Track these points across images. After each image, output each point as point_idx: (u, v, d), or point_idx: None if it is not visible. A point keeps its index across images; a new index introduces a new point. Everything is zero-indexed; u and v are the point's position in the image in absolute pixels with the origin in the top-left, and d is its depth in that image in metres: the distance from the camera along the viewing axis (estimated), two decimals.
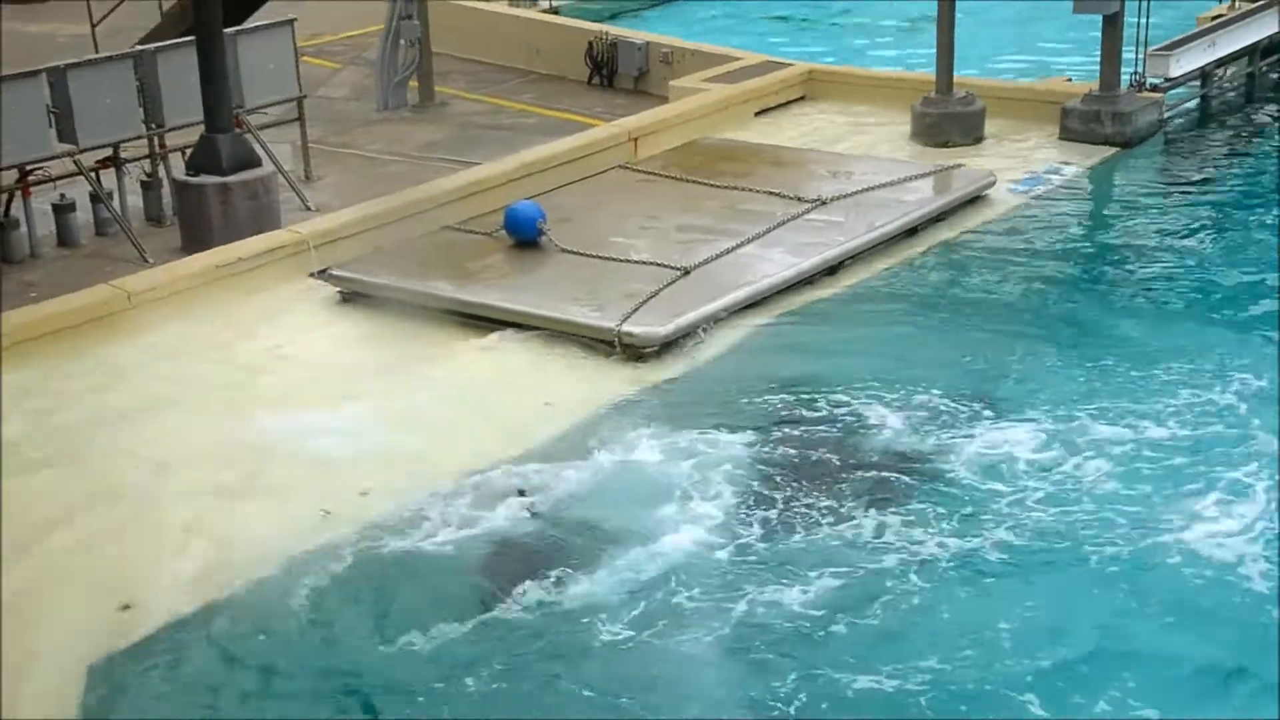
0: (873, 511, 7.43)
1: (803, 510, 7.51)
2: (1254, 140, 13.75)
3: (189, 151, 11.90)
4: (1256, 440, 7.89)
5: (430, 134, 14.94)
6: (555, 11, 19.12)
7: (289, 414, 8.65)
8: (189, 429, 8.52)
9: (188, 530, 7.49)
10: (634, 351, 9.34)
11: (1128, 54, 13.38)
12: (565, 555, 7.21)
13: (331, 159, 13.96)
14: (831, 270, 10.55)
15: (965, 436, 8.11)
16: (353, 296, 10.43)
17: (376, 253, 10.92)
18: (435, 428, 8.54)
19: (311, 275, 10.68)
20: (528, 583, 6.99)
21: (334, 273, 10.58)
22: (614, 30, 17.32)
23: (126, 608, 6.90)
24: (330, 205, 12.21)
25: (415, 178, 12.68)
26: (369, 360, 9.49)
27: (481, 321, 9.88)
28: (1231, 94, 14.91)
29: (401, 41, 15.70)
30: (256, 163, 11.82)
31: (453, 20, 18.12)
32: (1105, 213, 11.97)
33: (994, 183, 12.09)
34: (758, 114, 14.58)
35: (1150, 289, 10.25)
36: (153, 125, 12.12)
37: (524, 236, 10.82)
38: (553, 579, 7.01)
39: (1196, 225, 11.48)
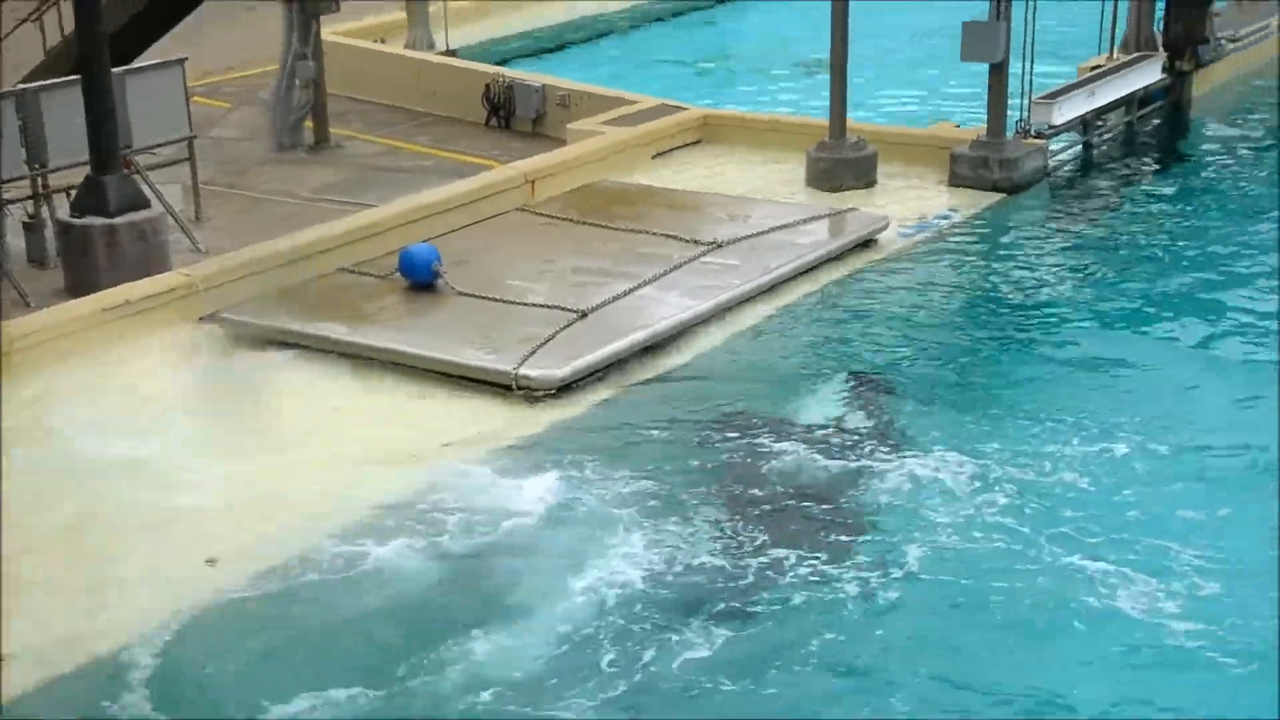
0: (778, 549, 7.45)
1: (707, 549, 7.50)
2: (1133, 186, 14.15)
3: (74, 192, 11.64)
4: (1132, 490, 8.04)
5: (325, 176, 14.81)
6: (452, 54, 19.11)
7: (168, 457, 8.47)
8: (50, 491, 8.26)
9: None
10: (532, 394, 9.31)
11: (1013, 101, 13.70)
12: (463, 600, 7.11)
13: (223, 200, 13.76)
14: (726, 312, 10.60)
15: (859, 471, 8.20)
16: (245, 340, 10.27)
17: (269, 295, 10.77)
18: (326, 470, 8.40)
19: (202, 319, 10.49)
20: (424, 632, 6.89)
21: (226, 316, 10.41)
22: (510, 73, 17.35)
23: None
24: (221, 247, 12.00)
25: (309, 220, 12.53)
26: (259, 403, 9.32)
27: (376, 364, 9.78)
28: (1111, 141, 15.34)
29: (296, 82, 15.57)
30: (145, 204, 11.59)
31: (348, 62, 18.02)
32: (993, 256, 12.20)
33: (886, 226, 12.28)
34: (655, 157, 14.67)
35: (1034, 332, 10.44)
36: (36, 165, 11.84)
37: (419, 279, 10.74)
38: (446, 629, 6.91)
39: (1080, 268, 11.74)
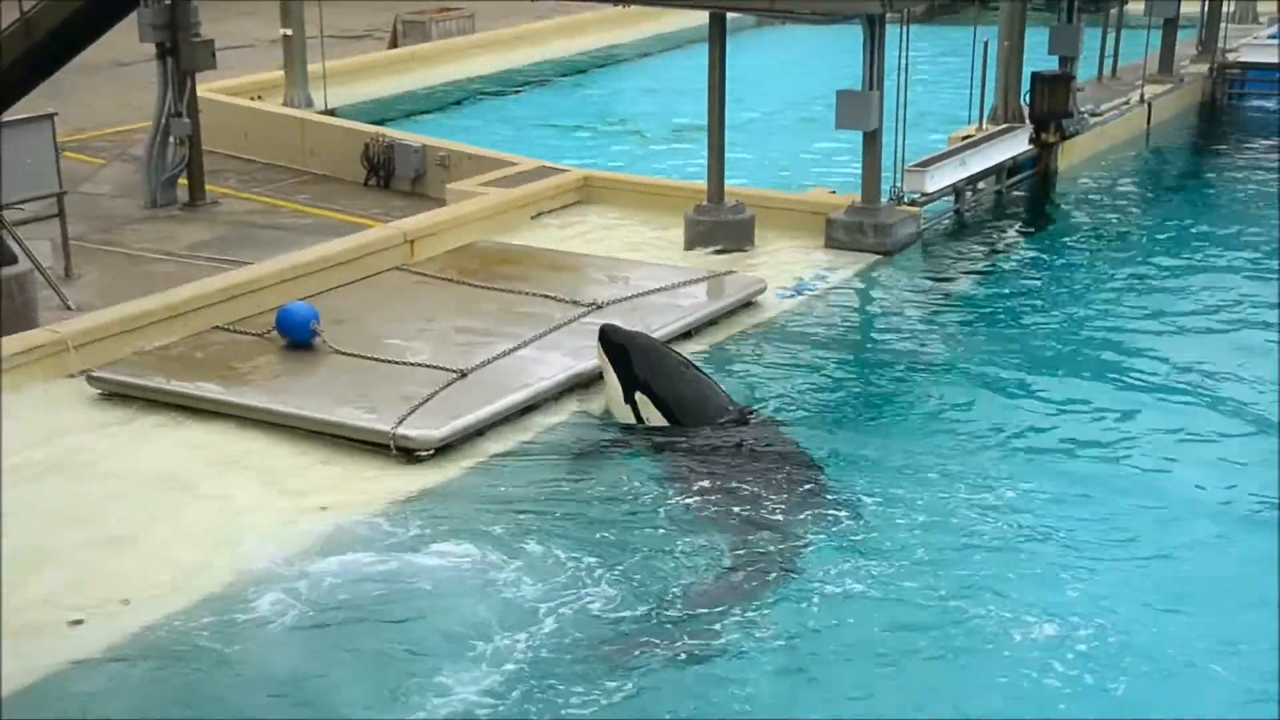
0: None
1: (598, 603, 7.55)
2: (1002, 251, 14.55)
3: None
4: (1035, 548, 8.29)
5: (200, 233, 14.67)
6: (331, 113, 19.09)
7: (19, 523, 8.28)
8: None
9: None
10: (410, 454, 9.28)
11: (886, 169, 14.07)
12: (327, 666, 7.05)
13: (94, 257, 13.54)
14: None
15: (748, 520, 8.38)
16: (117, 399, 10.10)
17: (142, 353, 10.62)
18: (201, 533, 8.29)
19: (72, 375, 10.29)
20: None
21: (97, 374, 10.23)
22: (390, 133, 17.39)
23: None
24: (93, 304, 11.81)
25: (184, 277, 12.41)
26: (126, 465, 9.16)
27: (252, 424, 9.68)
28: (981, 208, 15.83)
29: (171, 139, 15.43)
30: (11, 260, 11.38)
31: (225, 118, 17.91)
32: (867, 317, 12.50)
33: (764, 288, 12.51)
34: (534, 217, 14.79)
35: (902, 390, 10.72)
36: None
37: (297, 338, 10.68)
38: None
39: (951, 329, 12.08)
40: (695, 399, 9.93)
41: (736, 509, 8.63)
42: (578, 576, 7.85)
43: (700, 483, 8.94)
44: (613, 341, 10.13)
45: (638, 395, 9.85)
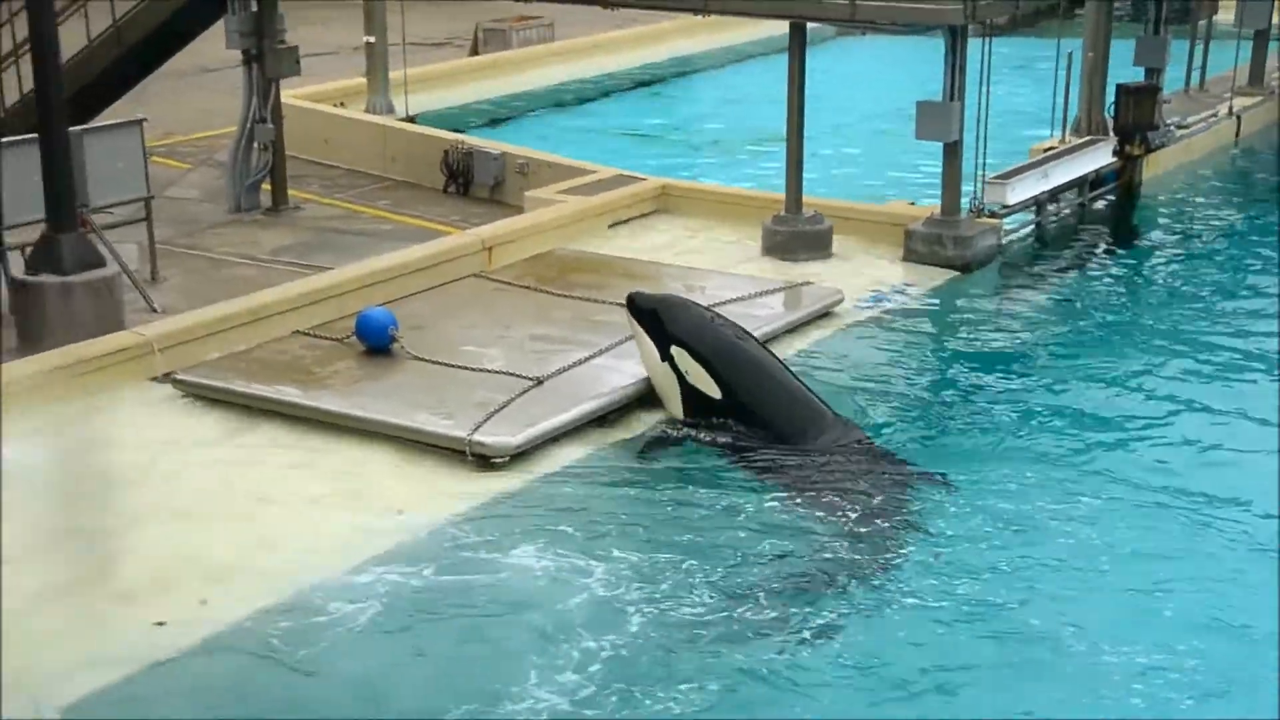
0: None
1: (692, 609, 7.53)
2: (1083, 266, 14.37)
3: (29, 250, 11.61)
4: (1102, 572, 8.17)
5: (282, 238, 14.84)
6: (412, 120, 19.25)
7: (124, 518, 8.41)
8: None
9: None
10: (485, 461, 9.33)
11: (967, 181, 13.93)
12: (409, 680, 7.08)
13: (179, 261, 13.74)
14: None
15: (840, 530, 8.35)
16: (199, 401, 10.24)
17: (224, 356, 10.76)
18: (281, 537, 8.38)
19: (155, 379, 10.45)
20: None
21: (180, 377, 10.38)
22: (470, 140, 17.48)
23: None
24: (177, 307, 11.98)
25: (265, 281, 12.54)
26: (211, 467, 9.28)
27: (331, 428, 9.77)
28: (1063, 222, 15.62)
29: (255, 144, 15.63)
30: (100, 263, 11.57)
31: (308, 125, 18.11)
32: (945, 330, 12.39)
33: (842, 299, 12.45)
34: (611, 226, 14.81)
35: (982, 403, 10.61)
36: None
37: (375, 343, 10.77)
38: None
39: (1032, 343, 11.95)
40: (729, 344, 9.95)
41: (820, 515, 8.59)
42: (658, 580, 7.85)
43: (781, 486, 8.94)
44: (643, 308, 10.16)
45: (673, 350, 9.85)
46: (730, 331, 10.14)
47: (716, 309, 11.71)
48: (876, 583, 7.89)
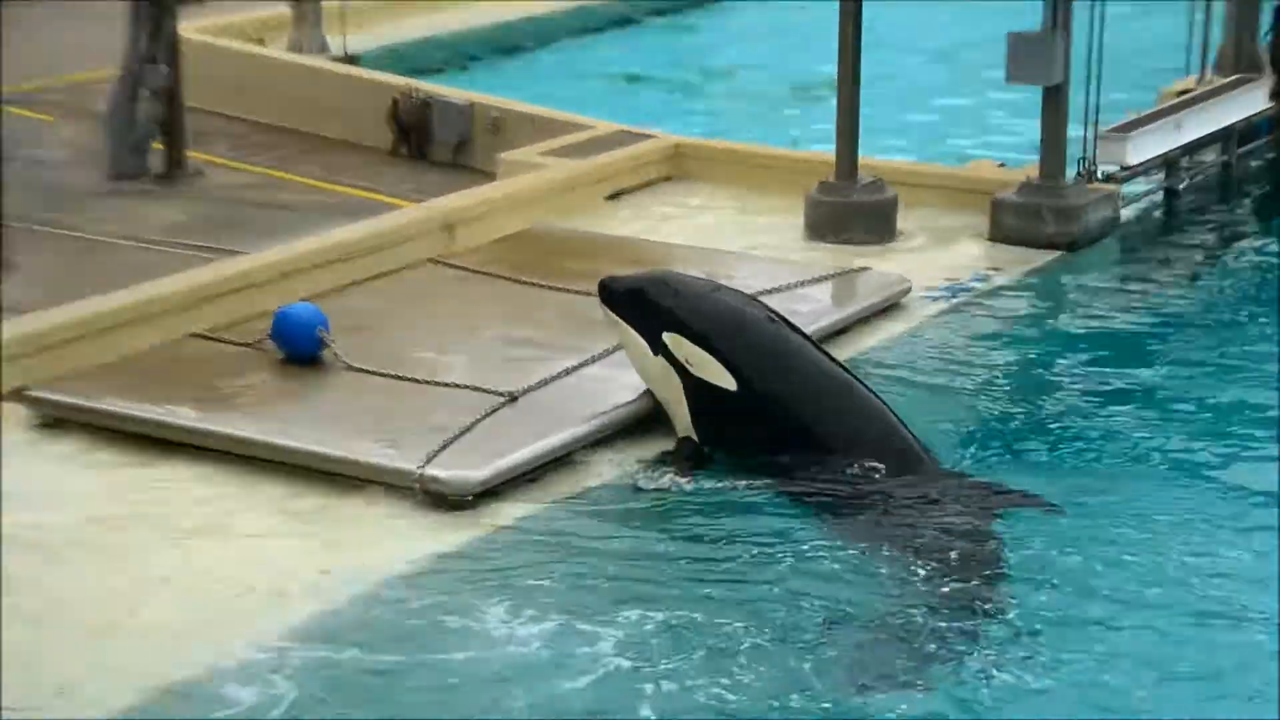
0: None
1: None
2: (1230, 245, 14.41)
3: None
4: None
5: (178, 213, 14.91)
6: (352, 61, 19.30)
7: None
8: None
9: None
10: (442, 501, 9.29)
11: (1075, 135, 13.91)
12: None
13: (39, 242, 13.82)
14: None
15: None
16: (59, 425, 10.20)
17: (97, 367, 10.74)
18: (172, 607, 8.32)
19: (3, 397, 10.42)
20: None
21: (36, 393, 10.34)
22: (427, 86, 17.56)
23: None
24: (35, 304, 11.95)
25: (156, 269, 12.55)
26: (77, 514, 9.22)
27: (238, 460, 9.74)
28: (1203, 188, 15.59)
29: (143, 91, 15.67)
30: None
31: (213, 67, 18.19)
32: (1043, 329, 12.37)
33: (908, 290, 12.45)
34: (609, 197, 14.82)
35: (1092, 424, 10.54)
36: None
37: (299, 350, 10.75)
38: None
39: (1157, 347, 11.94)
40: (738, 314, 9.92)
41: (883, 570, 8.57)
42: (675, 652, 7.77)
43: (831, 523, 8.97)
44: (619, 291, 10.13)
45: (666, 338, 9.78)
46: (737, 300, 10.08)
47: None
48: (968, 659, 7.81)
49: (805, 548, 8.77)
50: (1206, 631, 8.08)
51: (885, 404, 9.92)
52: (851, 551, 8.79)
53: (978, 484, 9.45)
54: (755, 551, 8.75)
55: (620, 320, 10.11)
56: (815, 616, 8.11)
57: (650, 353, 9.92)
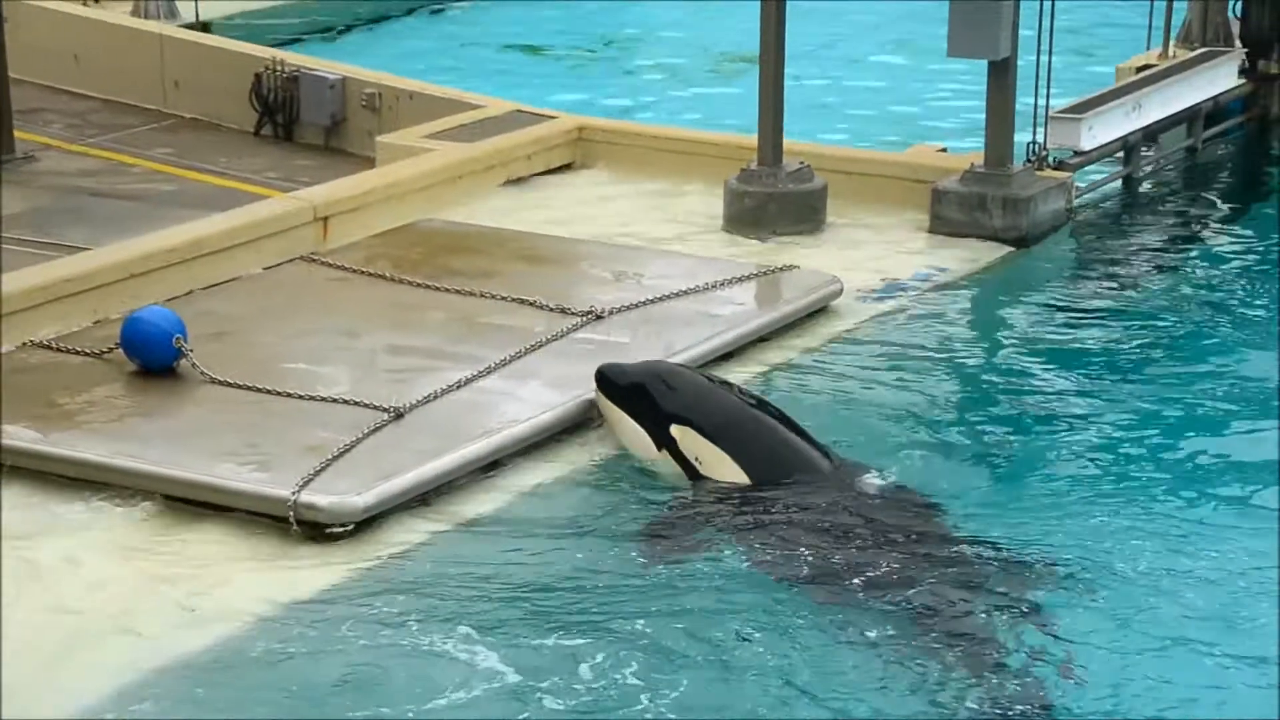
0: None
1: None
2: (1196, 238, 14.62)
3: None
4: None
5: (8, 203, 14.75)
6: (205, 27, 19.26)
7: None
8: None
9: None
10: (319, 531, 9.37)
11: (1023, 117, 14.12)
12: None
13: None
14: None
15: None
16: None
17: None
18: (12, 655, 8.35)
19: None
20: None
21: None
22: (294, 58, 17.51)
23: None
24: None
25: None
26: None
27: (85, 486, 9.79)
28: (1165, 175, 15.89)
29: None
30: None
31: (46, 33, 18.07)
32: (989, 333, 12.58)
33: (840, 291, 12.61)
34: (506, 184, 14.93)
35: (1041, 436, 10.79)
36: None
37: (152, 359, 10.81)
38: None
39: (1114, 350, 12.13)
40: (746, 413, 10.22)
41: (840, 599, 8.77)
42: (575, 684, 7.94)
43: (777, 556, 9.11)
44: (620, 384, 10.40)
45: (675, 430, 10.05)
46: (742, 397, 10.44)
47: (660, 302, 11.92)
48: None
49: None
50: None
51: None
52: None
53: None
54: (679, 591, 8.88)
55: (619, 411, 10.34)
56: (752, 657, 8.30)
57: (655, 448, 10.16)
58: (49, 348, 11.23)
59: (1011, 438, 10.86)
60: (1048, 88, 14.18)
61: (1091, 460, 10.47)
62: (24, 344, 11.27)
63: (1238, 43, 16.76)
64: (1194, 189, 15.78)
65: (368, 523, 9.48)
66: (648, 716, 7.86)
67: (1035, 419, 11.07)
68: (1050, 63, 14.11)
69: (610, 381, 10.46)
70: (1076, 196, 14.57)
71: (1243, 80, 16.59)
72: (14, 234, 13.85)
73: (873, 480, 9.95)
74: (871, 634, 8.47)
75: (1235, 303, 13.13)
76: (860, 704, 8.00)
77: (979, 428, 10.98)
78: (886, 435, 10.75)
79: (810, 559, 9.12)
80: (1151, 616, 8.60)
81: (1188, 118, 16.01)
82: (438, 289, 12.22)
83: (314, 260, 12.87)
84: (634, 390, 10.34)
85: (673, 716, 7.85)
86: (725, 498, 9.83)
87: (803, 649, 8.36)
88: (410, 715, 7.88)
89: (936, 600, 8.73)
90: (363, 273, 12.57)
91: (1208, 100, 16.12)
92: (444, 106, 16.15)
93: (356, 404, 10.35)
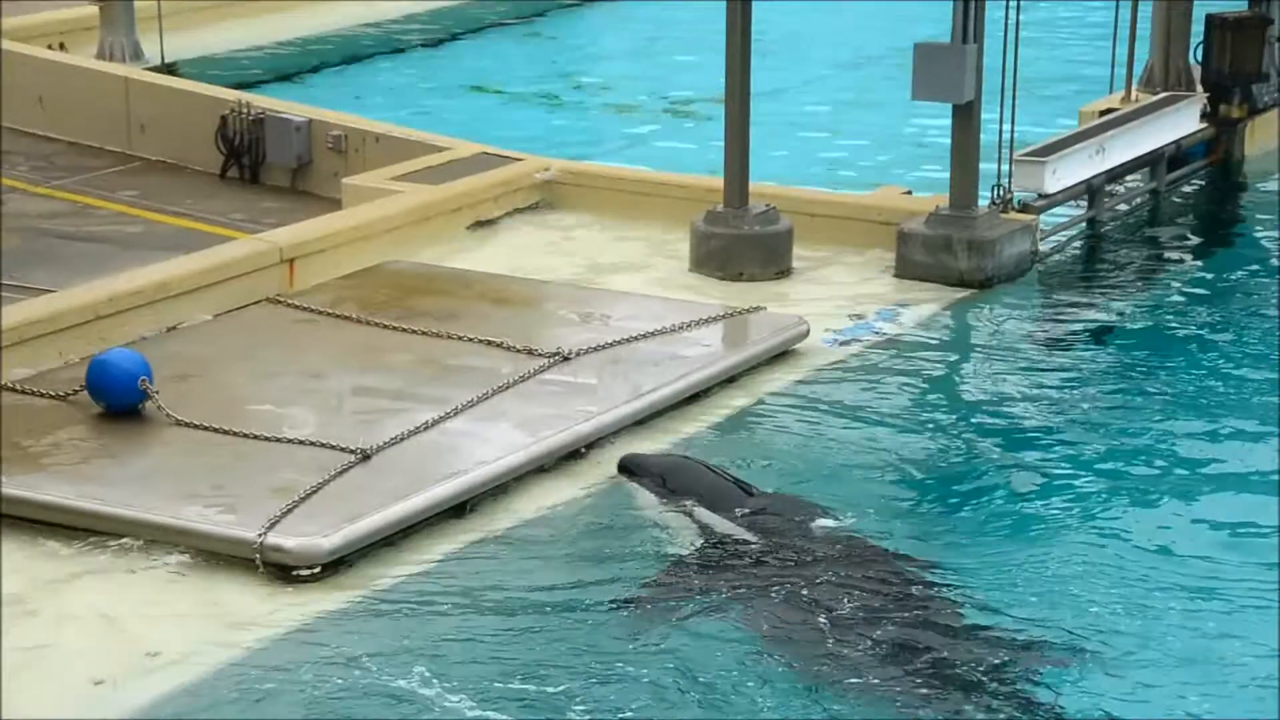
0: None
1: None
2: (1159, 283, 14.63)
3: None
4: None
5: None
6: (170, 70, 19.30)
7: None
8: None
9: None
10: (286, 573, 9.37)
11: (987, 160, 14.18)
12: None
13: None
14: (577, 454, 10.85)
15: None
16: None
17: None
18: None
19: None
20: None
21: None
22: (260, 100, 17.57)
23: None
24: None
25: None
26: None
27: (47, 530, 9.77)
28: (1129, 218, 15.95)
29: None
30: None
31: (10, 77, 18.14)
32: (953, 377, 12.61)
33: (806, 333, 12.67)
34: (473, 227, 14.99)
35: (1002, 485, 10.77)
36: None
37: (118, 402, 10.81)
38: None
39: (1077, 399, 12.12)
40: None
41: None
42: None
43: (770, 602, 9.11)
44: (643, 475, 10.50)
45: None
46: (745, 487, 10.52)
47: (627, 343, 11.95)
48: None
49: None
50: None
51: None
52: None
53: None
54: (662, 642, 8.85)
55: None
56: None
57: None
58: (14, 389, 11.21)
59: (972, 482, 10.86)
60: (1011, 131, 14.27)
61: (1050, 500, 10.52)
62: None
63: (1199, 87, 16.88)
64: (1158, 231, 15.85)
65: (336, 564, 9.47)
66: None
67: (997, 465, 11.07)
68: (1015, 104, 14.18)
69: (633, 472, 10.53)
70: (1042, 239, 14.66)
71: (1204, 124, 16.69)
72: None
73: (823, 523, 10.00)
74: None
75: (1208, 348, 13.13)
76: None
77: (942, 471, 10.99)
78: (849, 477, 10.77)
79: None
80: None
81: (1151, 161, 16.11)
82: (405, 330, 12.24)
83: (280, 302, 12.89)
84: (658, 481, 10.38)
85: None
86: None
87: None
88: None
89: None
90: (329, 314, 12.60)
91: (1170, 144, 16.21)
92: (411, 148, 16.22)
93: (323, 445, 10.36)
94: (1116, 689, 8.37)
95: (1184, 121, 16.44)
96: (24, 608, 9.15)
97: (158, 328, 12.29)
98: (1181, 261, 15.25)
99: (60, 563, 9.57)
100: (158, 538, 9.61)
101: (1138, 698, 8.33)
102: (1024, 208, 14.55)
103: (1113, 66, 16.71)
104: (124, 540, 9.65)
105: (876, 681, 8.46)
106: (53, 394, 11.09)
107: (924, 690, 8.38)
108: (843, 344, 12.85)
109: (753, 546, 9.75)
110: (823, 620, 8.94)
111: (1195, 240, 15.91)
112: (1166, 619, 9.04)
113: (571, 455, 10.82)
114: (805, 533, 9.93)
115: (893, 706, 8.31)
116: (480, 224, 15.08)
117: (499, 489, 10.37)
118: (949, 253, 13.94)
